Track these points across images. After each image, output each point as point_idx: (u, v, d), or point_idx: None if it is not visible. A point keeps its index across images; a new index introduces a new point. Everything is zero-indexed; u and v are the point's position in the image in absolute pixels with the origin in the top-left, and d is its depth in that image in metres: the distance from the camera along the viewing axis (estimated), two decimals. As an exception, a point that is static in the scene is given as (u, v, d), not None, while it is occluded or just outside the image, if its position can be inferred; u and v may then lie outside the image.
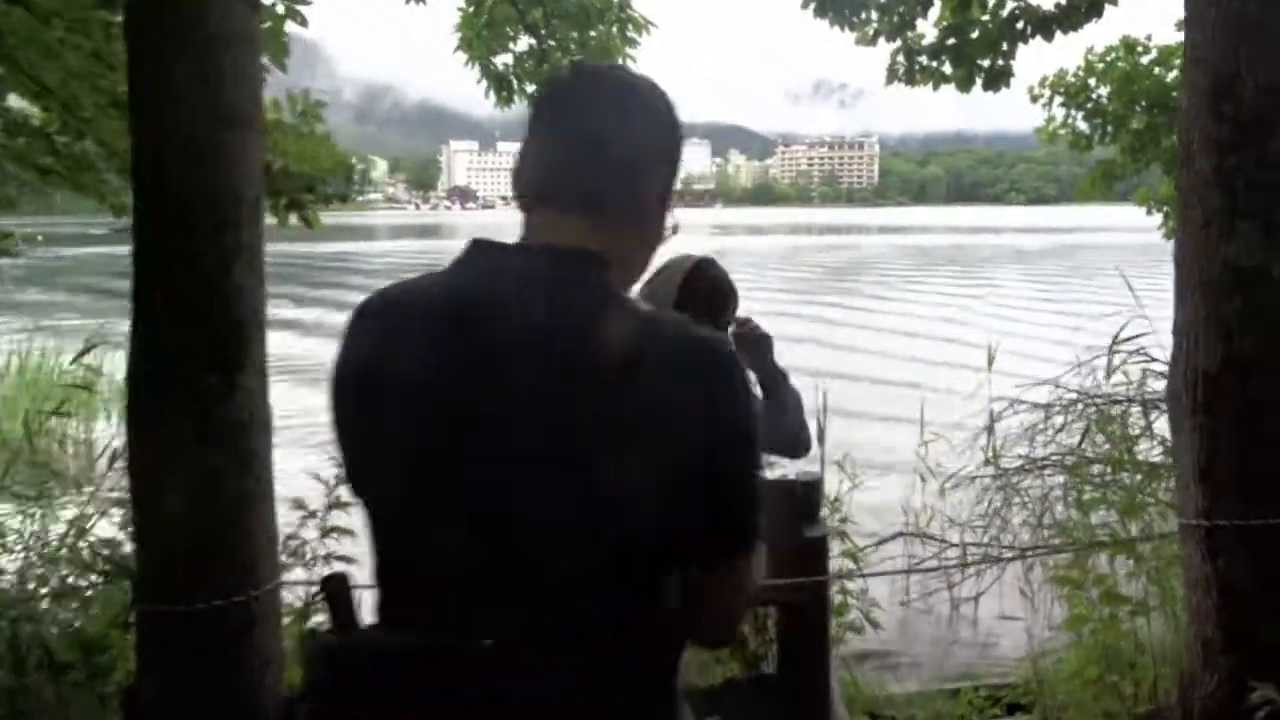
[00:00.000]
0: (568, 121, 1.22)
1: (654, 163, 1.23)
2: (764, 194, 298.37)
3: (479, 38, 7.26)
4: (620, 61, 7.77)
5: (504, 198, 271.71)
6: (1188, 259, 2.83)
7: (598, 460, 1.01)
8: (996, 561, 5.30)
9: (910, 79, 6.00)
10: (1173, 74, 6.91)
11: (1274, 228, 2.72)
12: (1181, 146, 2.87)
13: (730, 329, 2.65)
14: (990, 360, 6.61)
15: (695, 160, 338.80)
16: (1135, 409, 5.50)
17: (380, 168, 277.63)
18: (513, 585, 1.04)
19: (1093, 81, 7.58)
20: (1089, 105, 7.49)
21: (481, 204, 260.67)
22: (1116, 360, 5.45)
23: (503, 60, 7.72)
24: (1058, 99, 7.72)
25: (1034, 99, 7.64)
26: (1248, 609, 2.66)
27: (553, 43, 7.51)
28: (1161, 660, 3.52)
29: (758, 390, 2.52)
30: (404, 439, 1.09)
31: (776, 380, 2.72)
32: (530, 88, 7.83)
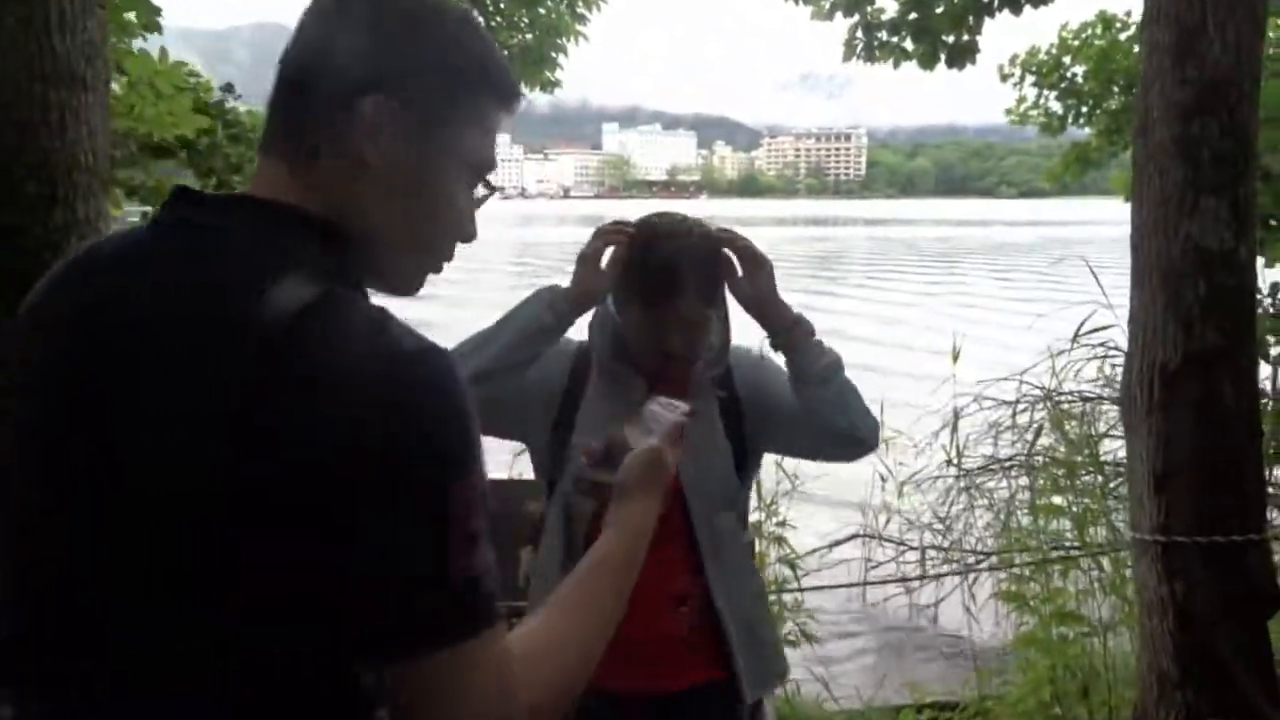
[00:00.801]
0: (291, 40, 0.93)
1: (367, 78, 0.87)
2: (750, 186, 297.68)
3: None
4: (571, 41, 7.47)
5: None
6: (1145, 240, 2.51)
7: (157, 493, 0.72)
8: (936, 578, 4.97)
9: (870, 55, 5.66)
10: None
11: (1241, 205, 2.41)
12: (1138, 114, 2.54)
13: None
14: (955, 354, 6.28)
15: (681, 150, 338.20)
16: (1105, 405, 5.19)
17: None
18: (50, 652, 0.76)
19: (1067, 59, 7.14)
20: (1063, 85, 7.10)
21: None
22: (1083, 354, 5.13)
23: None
24: (1029, 78, 7.32)
25: (1004, 78, 7.21)
26: (1207, 638, 2.34)
27: (500, 20, 7.19)
28: (1122, 684, 3.22)
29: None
30: None
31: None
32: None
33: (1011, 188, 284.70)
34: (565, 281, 1.73)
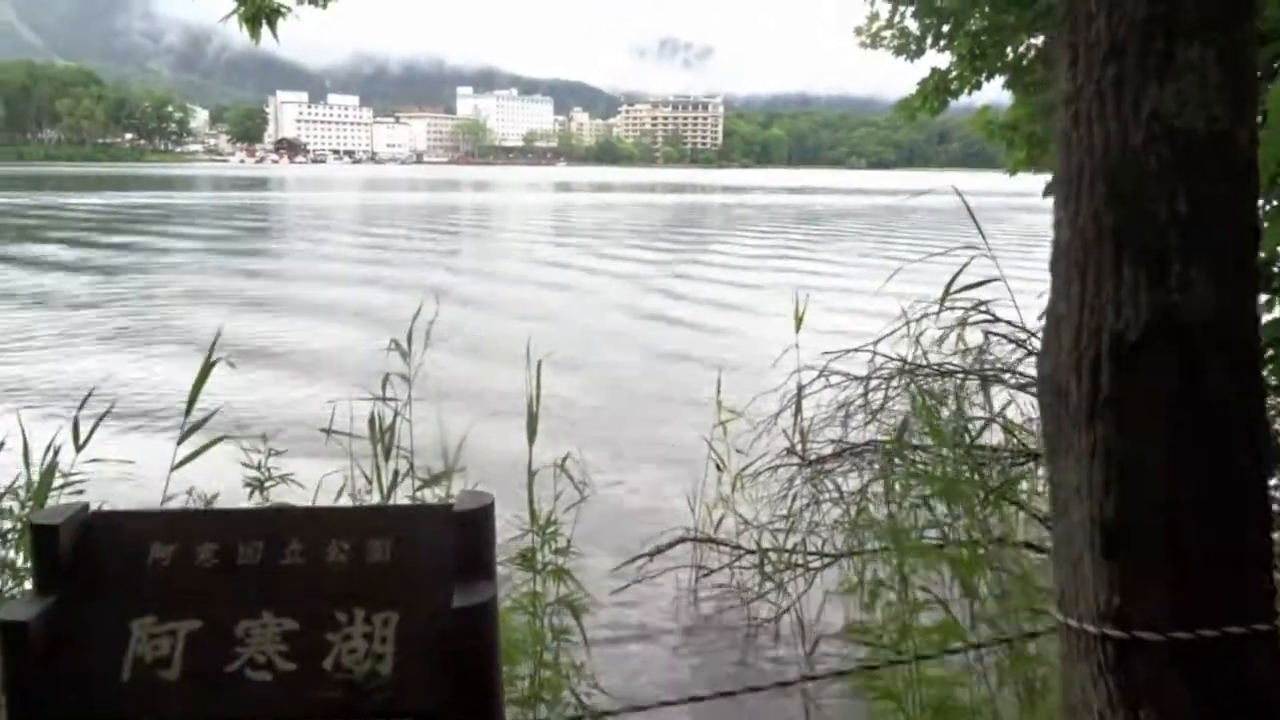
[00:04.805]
0: None
1: None
2: (607, 153, 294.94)
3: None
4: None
5: (335, 151, 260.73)
6: (1078, 126, 1.50)
7: None
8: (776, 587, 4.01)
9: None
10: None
11: (1237, 57, 1.42)
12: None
13: None
14: (799, 320, 5.32)
15: (538, 116, 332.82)
16: (972, 383, 4.29)
17: (201, 117, 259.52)
18: None
19: None
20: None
21: (312, 157, 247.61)
22: (950, 320, 4.22)
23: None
24: None
25: None
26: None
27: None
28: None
29: None
30: None
31: None
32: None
33: (861, 158, 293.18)
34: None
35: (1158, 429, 1.39)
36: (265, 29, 6.23)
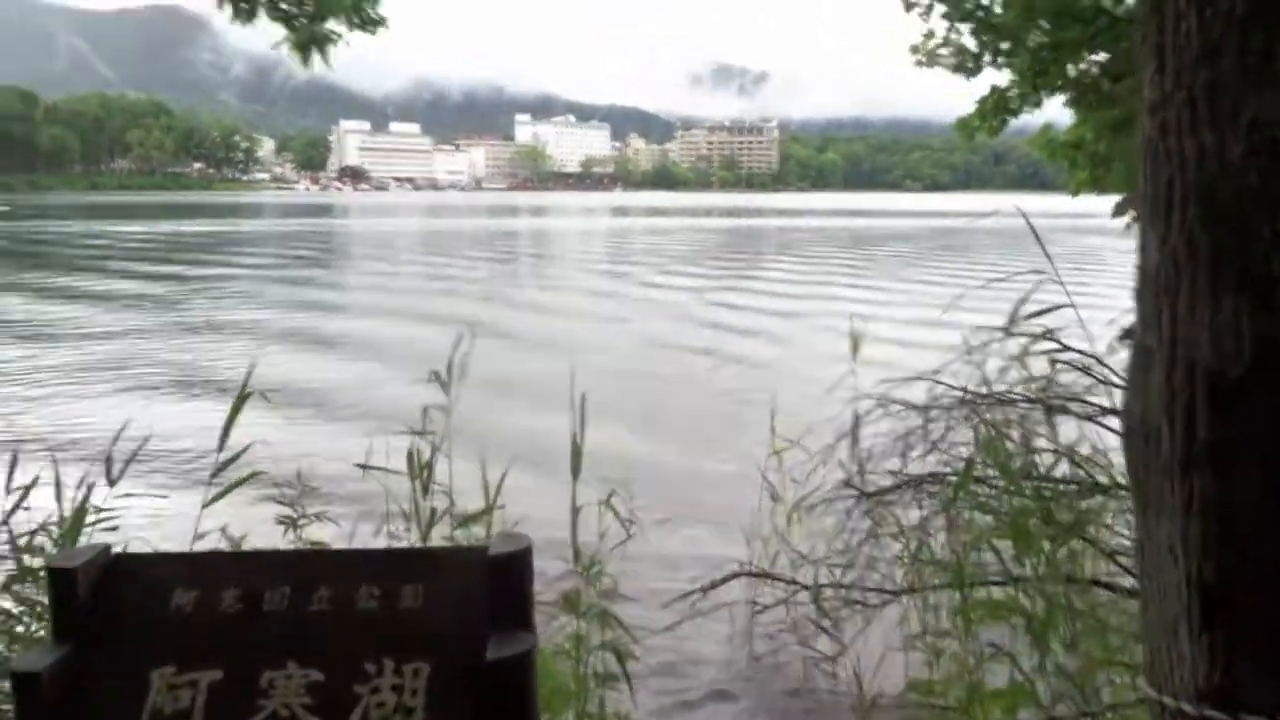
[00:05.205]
0: None
1: None
2: (663, 177, 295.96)
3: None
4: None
5: (396, 178, 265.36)
6: (1164, 139, 1.35)
7: None
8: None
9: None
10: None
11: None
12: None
13: None
14: (855, 345, 5.15)
15: (595, 142, 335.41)
16: (1038, 412, 4.08)
17: (267, 146, 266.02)
18: None
19: None
20: (978, 15, 5.80)
21: (374, 185, 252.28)
22: (1014, 347, 4.02)
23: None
24: (939, 8, 6.02)
25: (908, 6, 6.02)
26: None
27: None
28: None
29: None
30: None
31: None
32: (273, -3, 6.20)
33: (917, 182, 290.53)
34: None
35: (1264, 479, 1.23)
36: (317, 56, 6.30)
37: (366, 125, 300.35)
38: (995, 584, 4.04)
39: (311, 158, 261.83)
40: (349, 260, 39.33)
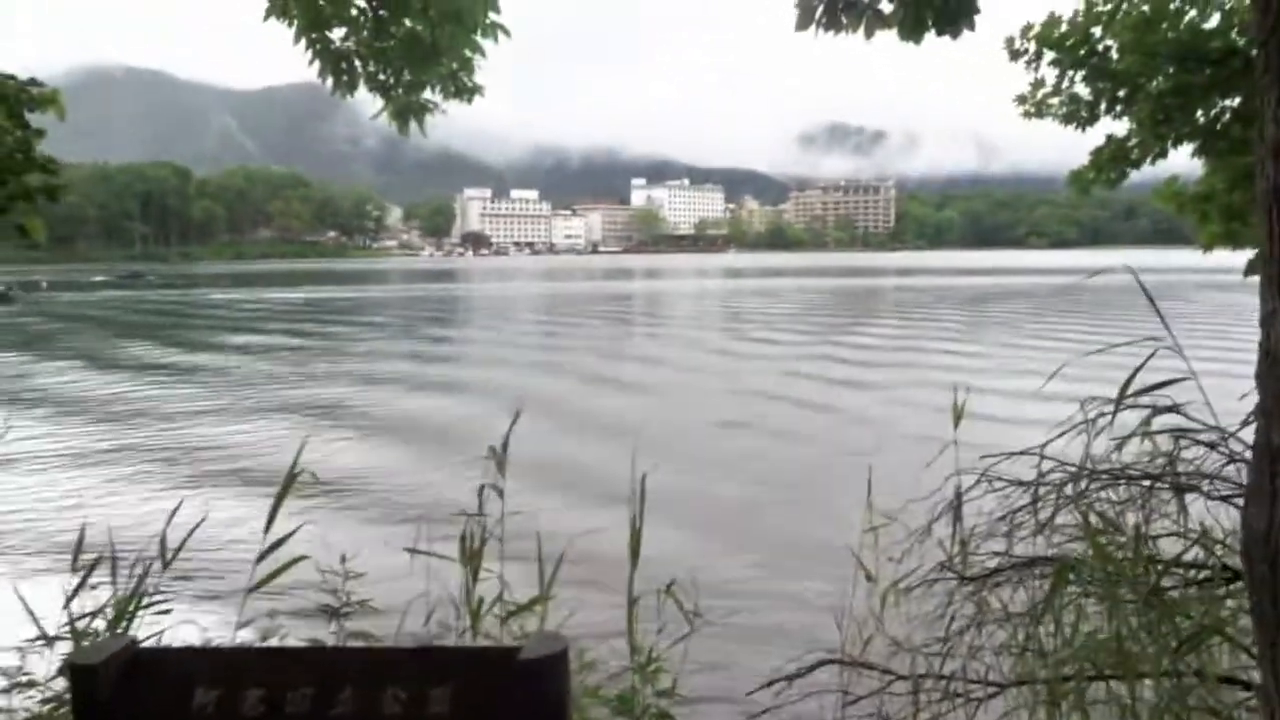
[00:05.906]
0: None
1: None
2: (778, 238, 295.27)
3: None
4: (486, 20, 6.16)
5: (516, 243, 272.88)
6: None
7: None
8: None
9: (833, 22, 4.29)
10: (1215, 17, 4.92)
11: None
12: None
13: None
14: (958, 417, 4.80)
15: (709, 205, 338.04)
16: (1160, 491, 3.67)
17: (395, 214, 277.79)
18: None
19: (1097, 30, 5.42)
20: (1092, 61, 5.43)
21: (495, 249, 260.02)
22: (1133, 419, 3.63)
23: (338, 34, 6.14)
24: (1048, 54, 5.64)
25: (1014, 55, 5.62)
26: None
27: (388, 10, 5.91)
28: None
29: None
30: None
31: None
32: (373, 68, 6.28)
33: (1041, 238, 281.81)
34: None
35: None
36: (414, 124, 6.37)
37: (488, 192, 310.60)
38: (1112, 679, 3.64)
39: (436, 224, 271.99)
40: (469, 322, 40.49)
